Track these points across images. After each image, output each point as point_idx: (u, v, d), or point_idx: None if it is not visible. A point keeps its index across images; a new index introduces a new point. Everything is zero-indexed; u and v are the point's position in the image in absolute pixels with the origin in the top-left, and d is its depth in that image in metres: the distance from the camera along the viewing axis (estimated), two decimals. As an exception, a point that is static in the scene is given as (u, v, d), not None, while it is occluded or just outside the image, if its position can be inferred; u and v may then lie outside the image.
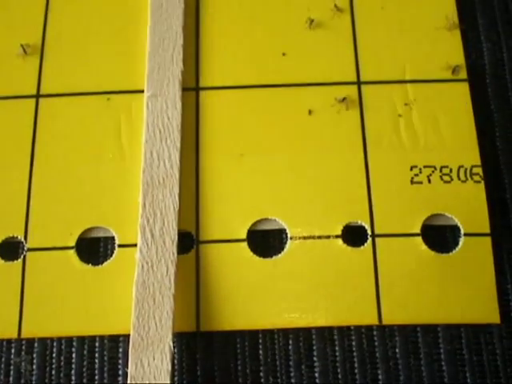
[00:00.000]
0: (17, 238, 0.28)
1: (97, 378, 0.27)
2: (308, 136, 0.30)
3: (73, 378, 0.27)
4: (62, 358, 0.27)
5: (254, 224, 0.28)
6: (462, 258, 0.28)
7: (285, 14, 0.32)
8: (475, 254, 0.28)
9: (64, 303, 0.27)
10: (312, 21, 0.31)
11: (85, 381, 0.27)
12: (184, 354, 0.27)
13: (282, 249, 0.28)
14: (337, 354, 0.27)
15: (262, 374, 0.27)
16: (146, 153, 0.29)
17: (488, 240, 0.28)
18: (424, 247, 0.28)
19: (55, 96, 0.30)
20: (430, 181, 0.29)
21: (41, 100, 0.30)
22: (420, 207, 0.28)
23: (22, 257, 0.28)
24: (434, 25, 0.31)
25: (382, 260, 0.28)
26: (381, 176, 0.29)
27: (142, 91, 0.30)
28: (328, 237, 0.28)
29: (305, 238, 0.28)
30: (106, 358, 0.27)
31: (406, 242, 0.28)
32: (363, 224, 0.28)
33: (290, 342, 0.27)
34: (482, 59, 0.31)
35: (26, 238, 0.28)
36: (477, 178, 0.29)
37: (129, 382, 0.25)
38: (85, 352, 0.27)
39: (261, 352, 0.27)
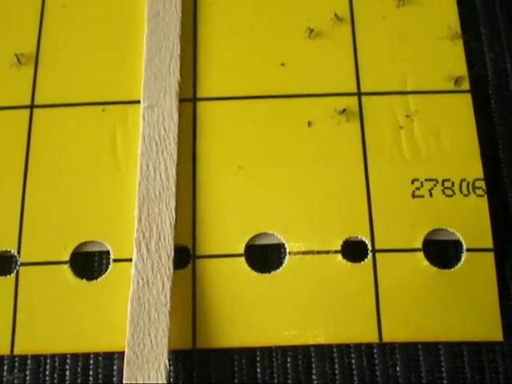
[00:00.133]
0: (10, 252, 0.28)
1: (91, 396, 0.26)
2: (307, 148, 0.29)
3: (66, 396, 0.26)
4: (56, 376, 0.27)
5: (252, 238, 0.28)
6: (464, 273, 0.27)
7: (284, 24, 0.31)
8: (478, 270, 0.27)
9: (58, 319, 0.27)
10: (311, 30, 0.31)
11: (78, 399, 0.26)
12: (180, 373, 0.27)
13: (281, 264, 0.28)
14: (336, 372, 0.27)
15: (259, 392, 0.26)
16: (141, 165, 0.28)
17: (491, 256, 0.27)
18: (425, 263, 0.27)
19: (49, 107, 0.30)
20: (431, 194, 0.28)
21: (35, 111, 0.30)
22: (421, 222, 0.28)
23: (14, 271, 0.28)
24: (436, 34, 0.31)
25: (382, 276, 0.27)
26: (381, 189, 0.28)
27: (138, 102, 0.30)
28: (327, 252, 0.28)
29: (304, 253, 0.28)
30: (100, 376, 0.27)
31: (407, 258, 0.27)
32: (363, 239, 0.28)
33: (289, 359, 0.27)
34: (485, 70, 0.31)
35: (19, 252, 0.28)
36: (480, 191, 0.28)
37: (123, 401, 0.25)
38: (79, 369, 0.27)
39: (258, 370, 0.27)
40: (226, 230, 0.28)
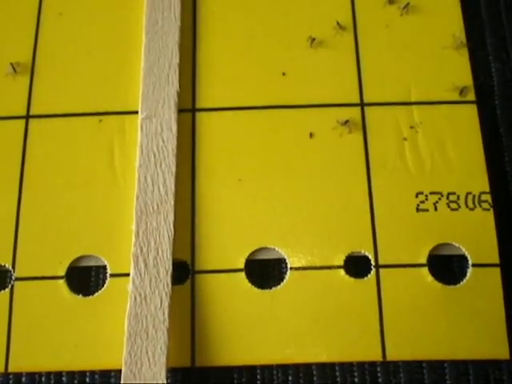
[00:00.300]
0: (4, 266, 0.27)
1: (87, 415, 0.26)
2: (309, 160, 0.29)
3: (62, 415, 0.26)
4: (51, 394, 0.26)
5: (253, 253, 0.27)
6: (469, 289, 0.27)
7: (285, 32, 0.31)
8: (484, 286, 0.27)
9: (53, 336, 0.26)
10: (313, 39, 0.30)
11: (74, 419, 0.26)
12: (178, 391, 0.26)
13: (282, 279, 0.27)
14: (338, 391, 0.26)
15: (260, 412, 0.26)
16: (139, 178, 0.28)
17: (497, 271, 0.27)
18: (430, 278, 0.27)
19: (45, 117, 0.30)
20: (436, 208, 0.28)
21: (30, 121, 0.29)
22: (426, 236, 0.27)
23: (9, 286, 0.27)
24: (440, 44, 0.30)
25: (386, 292, 0.27)
26: (385, 203, 0.28)
27: (136, 112, 0.29)
28: (330, 267, 0.27)
29: (305, 268, 0.27)
30: (96, 395, 0.26)
31: (412, 273, 0.27)
32: (366, 254, 0.27)
33: (290, 378, 0.26)
34: (491, 80, 0.30)
35: (13, 266, 0.27)
36: (485, 205, 0.28)
37: (120, 422, 0.24)
38: (74, 388, 0.26)
39: (259, 389, 0.26)
40: (225, 245, 0.27)
